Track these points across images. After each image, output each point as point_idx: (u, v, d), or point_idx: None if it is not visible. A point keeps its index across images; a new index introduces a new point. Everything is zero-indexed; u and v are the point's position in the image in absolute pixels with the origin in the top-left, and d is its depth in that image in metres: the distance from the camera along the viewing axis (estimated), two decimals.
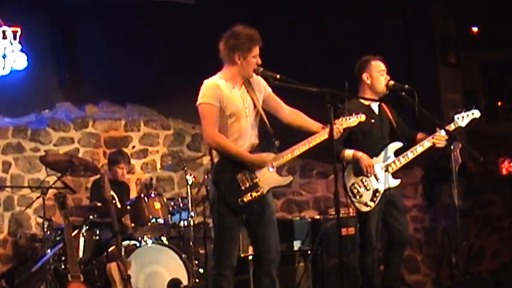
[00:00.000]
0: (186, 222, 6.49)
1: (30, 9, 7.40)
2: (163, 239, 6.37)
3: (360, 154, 5.20)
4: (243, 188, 4.44)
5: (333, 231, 6.43)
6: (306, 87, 4.39)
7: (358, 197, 5.21)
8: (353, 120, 4.87)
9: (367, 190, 5.23)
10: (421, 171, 7.65)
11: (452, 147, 5.03)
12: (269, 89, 4.70)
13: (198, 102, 4.56)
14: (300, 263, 6.40)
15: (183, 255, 6.13)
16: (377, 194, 5.22)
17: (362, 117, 4.91)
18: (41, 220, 6.24)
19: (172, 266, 6.06)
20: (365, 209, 5.23)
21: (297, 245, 6.54)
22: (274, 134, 4.61)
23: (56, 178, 6.29)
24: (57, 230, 6.21)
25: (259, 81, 4.67)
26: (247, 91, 4.60)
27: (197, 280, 6.16)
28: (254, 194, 4.45)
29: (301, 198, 8.04)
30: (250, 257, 6.09)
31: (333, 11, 7.62)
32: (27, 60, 7.14)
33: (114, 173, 6.79)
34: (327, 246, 6.49)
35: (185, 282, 6.04)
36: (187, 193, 6.47)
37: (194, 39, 7.41)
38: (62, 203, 5.80)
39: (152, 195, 6.29)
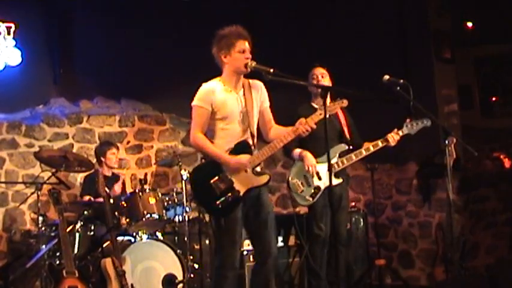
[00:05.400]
0: (180, 217, 6.50)
1: (25, 5, 7.38)
2: (158, 234, 6.38)
3: (305, 153, 5.55)
4: (218, 192, 4.49)
5: None
6: (300, 81, 4.39)
7: (299, 192, 5.55)
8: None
9: (309, 186, 5.56)
10: (415, 166, 7.65)
11: (446, 142, 5.04)
12: (267, 103, 4.79)
13: (192, 103, 4.63)
14: (295, 258, 6.40)
15: (178, 251, 6.13)
16: (316, 191, 5.55)
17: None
18: (35, 216, 6.24)
19: (167, 261, 6.06)
20: (303, 203, 5.59)
21: (292, 240, 6.54)
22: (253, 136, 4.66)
23: (50, 174, 6.29)
24: (52, 225, 6.22)
25: (261, 90, 4.74)
26: (245, 94, 4.65)
27: (192, 275, 6.16)
28: (230, 196, 4.48)
29: None
30: (245, 252, 6.10)
31: (329, 7, 7.61)
32: (22, 55, 7.14)
33: (109, 162, 6.78)
34: None
35: (180, 277, 6.04)
36: (182, 188, 6.47)
37: (189, 35, 7.38)
38: (57, 199, 5.79)
39: (147, 190, 6.27)
